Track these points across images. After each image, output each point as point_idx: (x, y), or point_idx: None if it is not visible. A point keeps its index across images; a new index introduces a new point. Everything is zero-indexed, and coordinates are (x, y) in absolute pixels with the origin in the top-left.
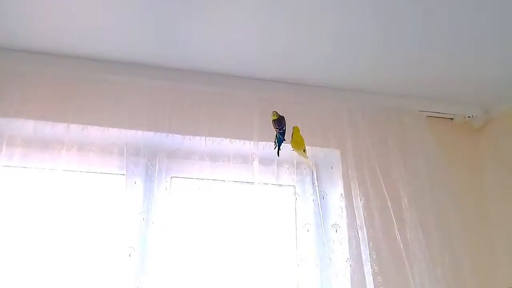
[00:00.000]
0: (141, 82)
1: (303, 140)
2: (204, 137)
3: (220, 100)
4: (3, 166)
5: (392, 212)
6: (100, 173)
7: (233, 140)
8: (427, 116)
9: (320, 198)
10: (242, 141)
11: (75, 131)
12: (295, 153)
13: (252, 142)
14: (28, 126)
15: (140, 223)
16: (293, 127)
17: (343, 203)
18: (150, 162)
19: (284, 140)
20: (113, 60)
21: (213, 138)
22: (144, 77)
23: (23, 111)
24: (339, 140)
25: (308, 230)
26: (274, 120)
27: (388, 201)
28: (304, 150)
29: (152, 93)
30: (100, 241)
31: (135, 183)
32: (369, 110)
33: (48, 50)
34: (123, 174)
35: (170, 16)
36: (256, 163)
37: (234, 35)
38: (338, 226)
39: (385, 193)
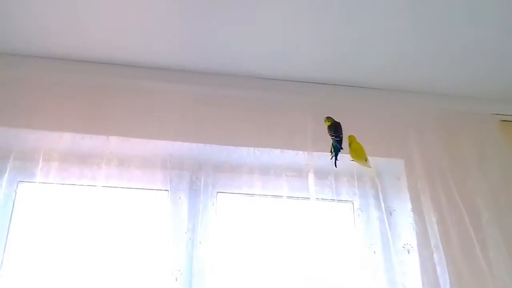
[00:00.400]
0: (185, 90)
1: (363, 148)
2: (252, 148)
3: (270, 106)
4: (40, 182)
5: (471, 229)
6: (142, 188)
7: (285, 150)
8: (501, 120)
9: (387, 214)
10: (295, 151)
11: (115, 143)
12: (355, 163)
13: (306, 153)
14: (65, 140)
15: (186, 242)
16: (349, 137)
17: (413, 220)
18: (195, 176)
19: (342, 148)
20: (153, 66)
21: (263, 148)
22: (188, 84)
23: (59, 124)
24: (403, 149)
25: (374, 252)
26: (329, 127)
27: (466, 216)
28: (366, 160)
29: (197, 101)
30: (144, 263)
31: (179, 198)
32: (436, 114)
33: (82, 57)
34: (166, 190)
35: (216, 18)
36: (311, 175)
37: (286, 34)
38: (411, 247)
39: (461, 207)
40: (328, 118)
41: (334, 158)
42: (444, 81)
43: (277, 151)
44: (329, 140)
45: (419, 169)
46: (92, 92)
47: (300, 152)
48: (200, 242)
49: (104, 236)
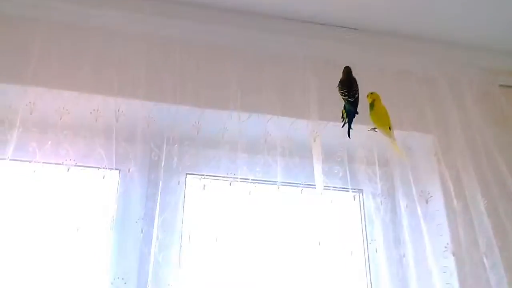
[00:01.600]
0: (143, 28)
1: (387, 112)
2: (236, 113)
3: (259, 55)
4: None
5: None
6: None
7: (280, 117)
8: None
9: (420, 202)
10: (292, 119)
11: (34, 96)
12: (376, 132)
13: (308, 122)
14: None
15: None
16: (369, 94)
17: (456, 209)
18: (152, 152)
19: (357, 113)
20: None
21: (249, 113)
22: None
23: None
24: (437, 120)
25: (404, 255)
26: (342, 82)
27: None
28: (390, 128)
29: (161, 45)
30: (77, 266)
31: (128, 178)
32: (478, 75)
33: None
34: (110, 168)
35: None
36: (316, 154)
37: None
38: (454, 248)
39: None
40: (346, 69)
41: (347, 125)
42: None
43: (268, 118)
44: (339, 103)
45: (457, 145)
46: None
47: (299, 121)
48: (157, 238)
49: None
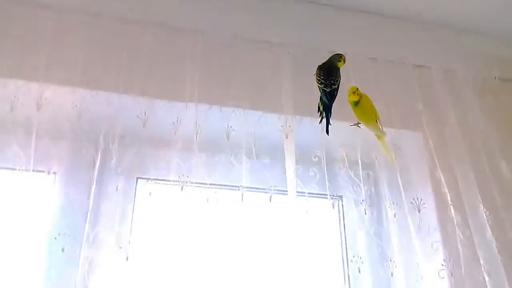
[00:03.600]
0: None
1: (372, 103)
2: (194, 104)
3: (222, 37)
4: None
5: None
6: None
7: (247, 110)
8: None
9: (411, 211)
10: (260, 112)
11: None
12: (360, 128)
13: (281, 116)
14: None
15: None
16: (350, 88)
17: (454, 220)
18: (86, 149)
19: (331, 106)
20: None
21: (209, 105)
22: None
23: None
24: (429, 116)
25: (392, 275)
26: (320, 67)
27: None
28: (378, 120)
29: (94, 18)
30: None
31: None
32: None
33: None
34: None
35: None
36: (289, 154)
37: None
38: (453, 265)
39: None
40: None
41: (325, 120)
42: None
43: (233, 112)
44: (316, 94)
45: (455, 144)
46: None
47: (271, 115)
48: (87, 258)
49: None
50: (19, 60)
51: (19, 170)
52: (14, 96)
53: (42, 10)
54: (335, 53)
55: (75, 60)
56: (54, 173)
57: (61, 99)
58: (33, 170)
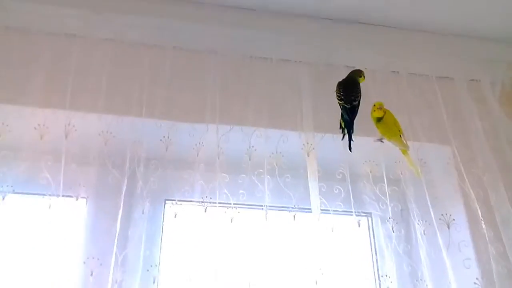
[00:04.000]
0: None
1: (395, 119)
2: (215, 126)
3: (240, 57)
4: None
5: None
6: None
7: (269, 129)
8: None
9: (440, 227)
10: (281, 131)
11: None
12: (384, 143)
13: (302, 134)
14: None
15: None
16: (374, 105)
17: (486, 236)
18: (112, 175)
19: (353, 123)
20: None
21: (230, 126)
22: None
23: None
24: (456, 128)
25: None
26: (340, 84)
27: None
28: (402, 135)
29: (116, 46)
30: None
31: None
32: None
33: None
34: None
35: None
36: (312, 172)
37: None
38: (489, 279)
39: None
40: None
41: (347, 136)
42: None
43: (254, 131)
44: (337, 111)
45: (482, 157)
46: None
47: (292, 133)
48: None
49: None
50: (46, 89)
51: (49, 196)
52: (43, 125)
53: (66, 39)
54: (354, 68)
55: (99, 86)
56: (83, 197)
57: (88, 126)
58: (63, 195)
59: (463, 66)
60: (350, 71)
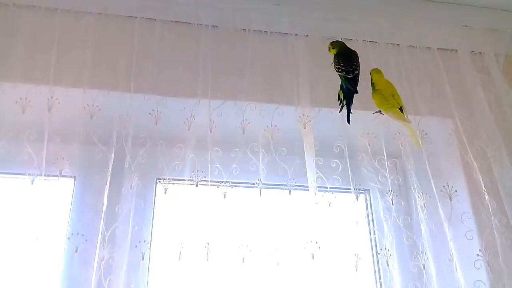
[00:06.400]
0: None
1: (395, 88)
2: (207, 101)
3: (234, 29)
4: None
5: None
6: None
7: (263, 104)
8: None
9: (441, 199)
10: (276, 105)
11: None
12: (382, 116)
13: (298, 108)
14: None
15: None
16: (371, 72)
17: (489, 207)
18: (99, 149)
19: (357, 92)
20: None
21: (222, 100)
22: None
23: None
24: (458, 100)
25: (424, 267)
26: (337, 55)
27: None
28: (402, 108)
29: (101, 17)
30: None
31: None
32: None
33: None
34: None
35: None
36: (308, 145)
37: None
38: (490, 254)
39: None
40: (334, 43)
41: (346, 108)
42: None
43: (248, 105)
44: (335, 83)
45: (487, 130)
46: None
47: (288, 108)
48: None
49: None
50: (28, 63)
51: (32, 170)
52: (26, 98)
53: (49, 13)
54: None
55: (84, 60)
56: (68, 172)
57: (73, 99)
58: (46, 173)
59: (467, 37)
60: (331, 43)
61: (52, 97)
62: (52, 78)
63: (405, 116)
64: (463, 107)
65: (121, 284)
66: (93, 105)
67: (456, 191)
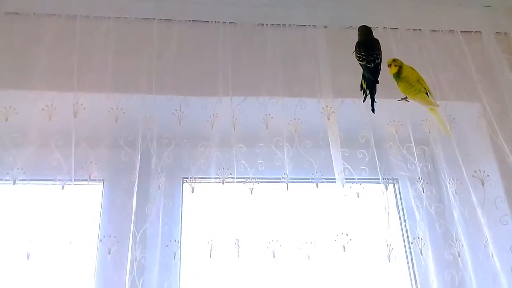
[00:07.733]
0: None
1: (419, 74)
2: (229, 98)
3: (252, 23)
4: None
5: None
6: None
7: (285, 98)
8: None
9: (473, 185)
10: (298, 98)
11: None
12: (408, 102)
13: (320, 100)
14: None
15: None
16: (393, 62)
17: None
18: (125, 152)
19: (378, 82)
20: None
21: (244, 97)
22: None
23: None
24: (485, 83)
25: (459, 255)
26: (359, 44)
27: None
28: (428, 93)
29: (122, 22)
30: None
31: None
32: None
33: None
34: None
35: None
36: (333, 136)
37: None
38: None
39: None
40: (360, 29)
41: (369, 98)
42: None
43: (270, 100)
44: (358, 72)
45: None
46: None
47: (310, 100)
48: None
49: None
50: (52, 71)
51: (62, 176)
52: (52, 105)
53: (69, 20)
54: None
55: (106, 65)
56: (97, 176)
57: (97, 103)
58: (75, 178)
59: (489, 17)
60: (360, 29)
61: (77, 103)
62: (76, 84)
63: (433, 100)
64: (491, 90)
65: (154, 284)
66: (117, 109)
67: (488, 175)
